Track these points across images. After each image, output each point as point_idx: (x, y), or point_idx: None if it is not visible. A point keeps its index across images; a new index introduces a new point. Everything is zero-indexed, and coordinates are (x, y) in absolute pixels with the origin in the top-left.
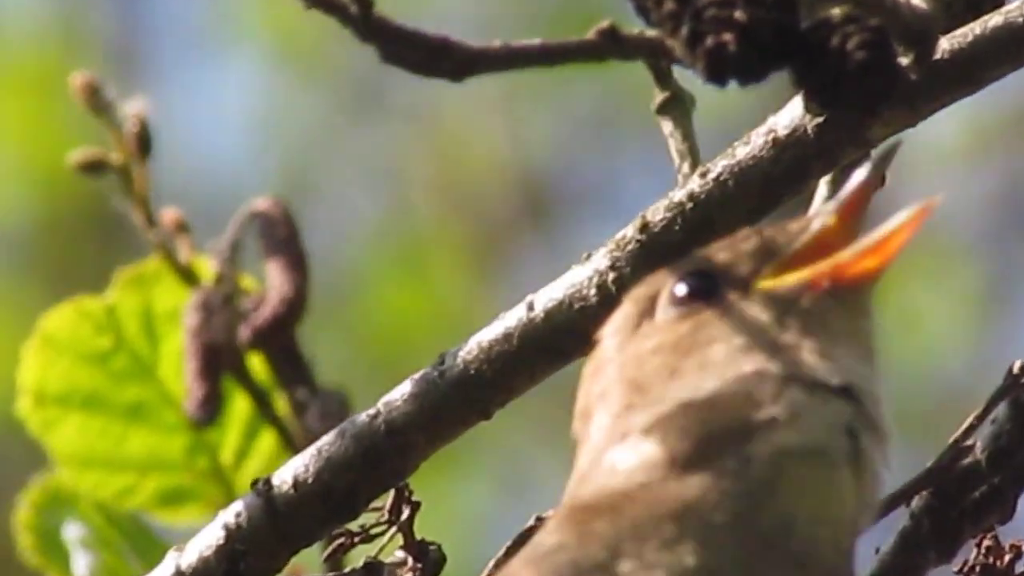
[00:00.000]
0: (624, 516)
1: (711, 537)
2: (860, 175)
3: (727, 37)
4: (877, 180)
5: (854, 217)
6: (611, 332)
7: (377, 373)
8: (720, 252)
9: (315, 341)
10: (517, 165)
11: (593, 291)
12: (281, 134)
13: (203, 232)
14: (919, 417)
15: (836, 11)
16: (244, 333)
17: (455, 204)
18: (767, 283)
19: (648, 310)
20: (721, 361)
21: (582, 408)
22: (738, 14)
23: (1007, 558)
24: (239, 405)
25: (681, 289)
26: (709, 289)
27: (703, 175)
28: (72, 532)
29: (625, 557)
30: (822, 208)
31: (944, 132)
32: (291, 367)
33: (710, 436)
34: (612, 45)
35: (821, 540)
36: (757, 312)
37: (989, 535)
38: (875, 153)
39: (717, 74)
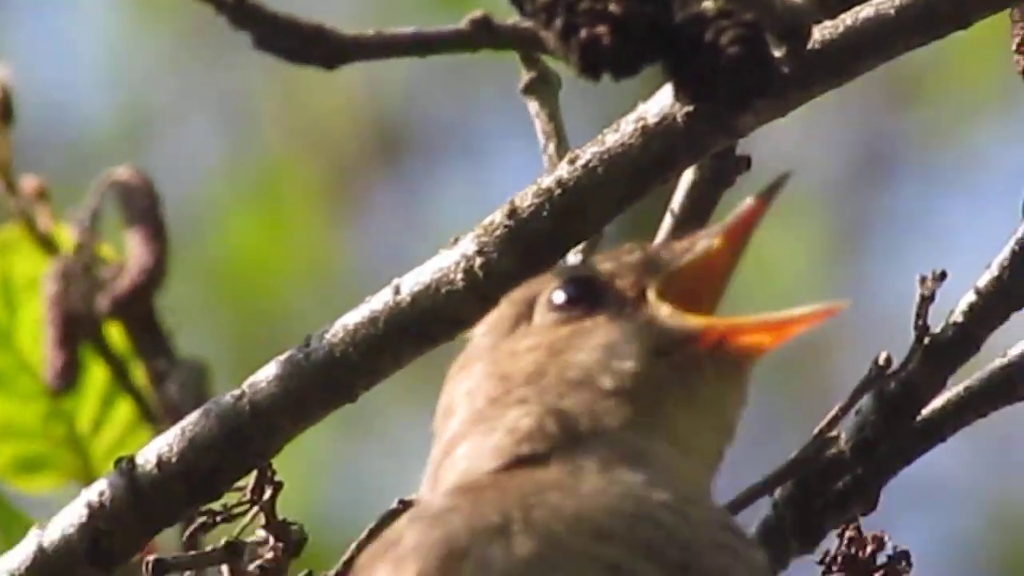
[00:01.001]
0: (509, 490)
1: (590, 504)
2: (748, 201)
3: (601, 30)
4: (764, 207)
5: (740, 241)
6: (484, 331)
7: (232, 318)
8: (603, 262)
9: (171, 294)
10: (371, 106)
11: (460, 276)
12: (132, 74)
13: (61, 194)
14: (772, 367)
15: (710, 5)
16: (103, 302)
17: (307, 144)
18: (664, 309)
19: (525, 313)
20: (584, 370)
21: (445, 405)
22: (612, 7)
23: (869, 549)
24: (96, 374)
25: (561, 295)
26: (589, 297)
27: (572, 161)
28: None
29: (516, 521)
30: (709, 230)
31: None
32: (150, 337)
33: (564, 437)
34: (485, 35)
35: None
36: (632, 334)
37: (852, 526)
38: (766, 184)
39: (590, 67)
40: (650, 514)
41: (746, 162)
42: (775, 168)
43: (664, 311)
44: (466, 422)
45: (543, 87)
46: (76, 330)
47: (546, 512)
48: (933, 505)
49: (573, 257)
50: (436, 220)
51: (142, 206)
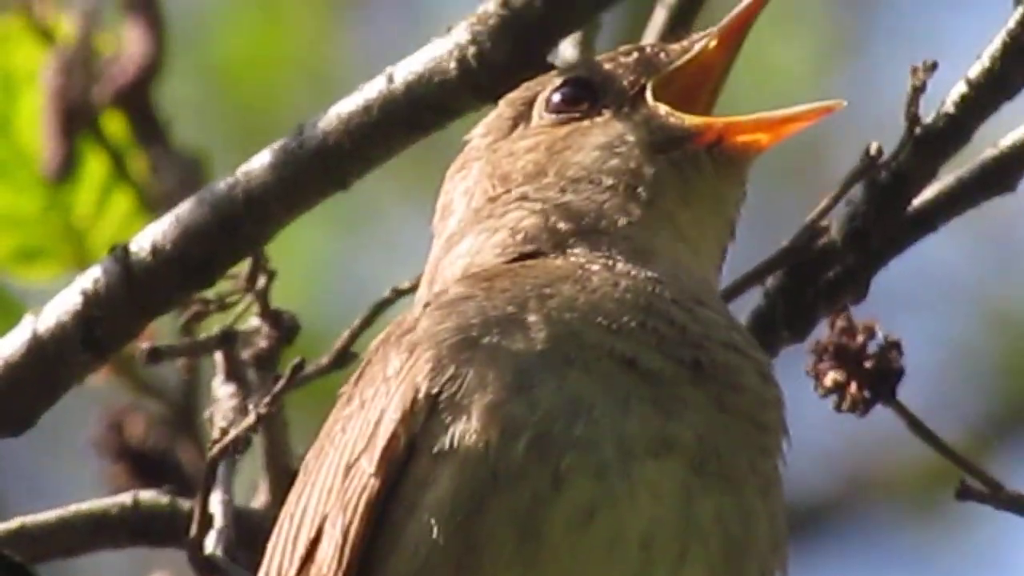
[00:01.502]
0: (522, 280)
1: (604, 297)
2: (744, 1)
3: None
4: (758, 7)
5: (734, 42)
6: (482, 132)
7: (231, 116)
8: (601, 63)
9: (169, 86)
10: None
11: (453, 64)
12: None
13: None
14: (772, 166)
15: None
16: (101, 93)
17: None
18: (662, 108)
19: (524, 114)
20: (584, 168)
21: (444, 204)
22: None
23: (860, 338)
24: (94, 165)
25: (559, 95)
26: (587, 98)
27: None
28: None
29: (531, 311)
30: (705, 31)
31: None
32: (147, 127)
33: (569, 233)
34: None
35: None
36: (631, 132)
37: (843, 315)
38: None
39: None
40: (663, 310)
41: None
42: None
43: (662, 110)
44: (465, 221)
45: None
46: (74, 121)
47: (560, 303)
48: (930, 306)
49: (569, 50)
50: (437, 17)
51: None
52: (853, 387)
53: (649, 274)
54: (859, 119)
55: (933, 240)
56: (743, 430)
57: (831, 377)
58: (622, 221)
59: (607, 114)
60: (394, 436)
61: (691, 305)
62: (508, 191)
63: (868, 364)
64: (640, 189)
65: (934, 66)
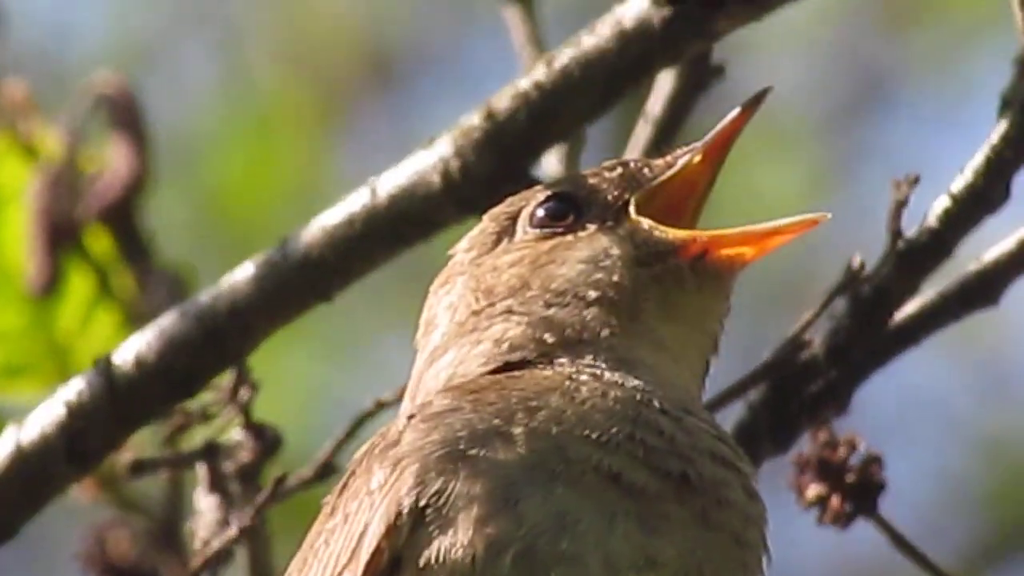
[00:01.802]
0: (508, 391)
1: (591, 409)
2: (728, 117)
3: None
4: (743, 123)
5: (718, 157)
6: (466, 247)
7: (220, 238)
8: (584, 178)
9: (156, 207)
10: (363, 32)
11: (436, 177)
12: None
13: (46, 103)
14: (761, 297)
15: None
16: (86, 209)
17: (299, 69)
18: (645, 222)
19: (508, 229)
20: (568, 281)
21: (427, 319)
22: None
23: (842, 451)
24: (79, 282)
25: (543, 210)
26: (571, 212)
27: (548, 63)
28: None
29: (517, 424)
30: (689, 147)
31: (788, 15)
32: (132, 243)
33: (554, 345)
34: None
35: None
36: (616, 246)
37: (825, 429)
38: (745, 98)
39: None
40: (651, 421)
41: (720, 70)
42: (773, 97)
43: (646, 224)
44: (449, 335)
45: None
46: (59, 237)
47: (547, 415)
48: (921, 434)
49: (553, 164)
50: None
51: (125, 115)
52: (835, 500)
53: (636, 383)
54: (846, 239)
55: (924, 367)
56: (726, 547)
57: (813, 490)
58: (605, 332)
59: (591, 228)
60: (378, 550)
61: (678, 414)
62: (492, 304)
63: (850, 478)
64: (623, 302)
65: (916, 180)
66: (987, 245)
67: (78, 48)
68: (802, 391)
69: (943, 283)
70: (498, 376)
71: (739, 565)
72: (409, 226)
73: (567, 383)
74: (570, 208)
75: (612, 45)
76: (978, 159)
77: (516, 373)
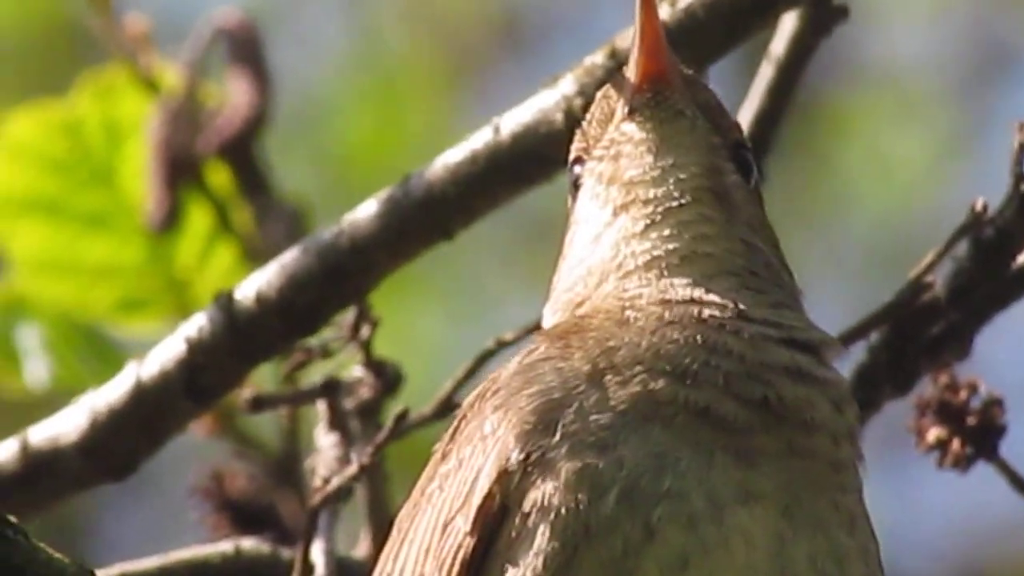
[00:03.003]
0: (587, 334)
1: (664, 339)
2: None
3: None
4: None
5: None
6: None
7: (345, 197)
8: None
9: (283, 163)
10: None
11: (560, 116)
12: None
13: (165, 41)
14: (888, 259)
15: None
16: (206, 144)
17: (427, 30)
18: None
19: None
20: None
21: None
22: None
23: (963, 394)
24: (198, 216)
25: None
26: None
27: (673, 4)
28: (28, 337)
29: (603, 368)
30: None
31: None
32: (252, 179)
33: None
34: None
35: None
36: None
37: (946, 371)
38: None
39: None
40: (719, 343)
41: (844, 11)
42: (896, 64)
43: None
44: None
45: None
46: (178, 172)
47: (626, 355)
48: None
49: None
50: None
51: (246, 51)
52: (955, 443)
53: (683, 292)
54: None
55: None
56: (820, 472)
57: (934, 433)
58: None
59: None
60: (489, 495)
61: (739, 325)
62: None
63: (971, 420)
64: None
65: None
66: None
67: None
68: (923, 333)
69: None
70: (576, 318)
71: (836, 486)
72: (531, 164)
73: (627, 313)
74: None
75: None
76: None
77: (585, 309)
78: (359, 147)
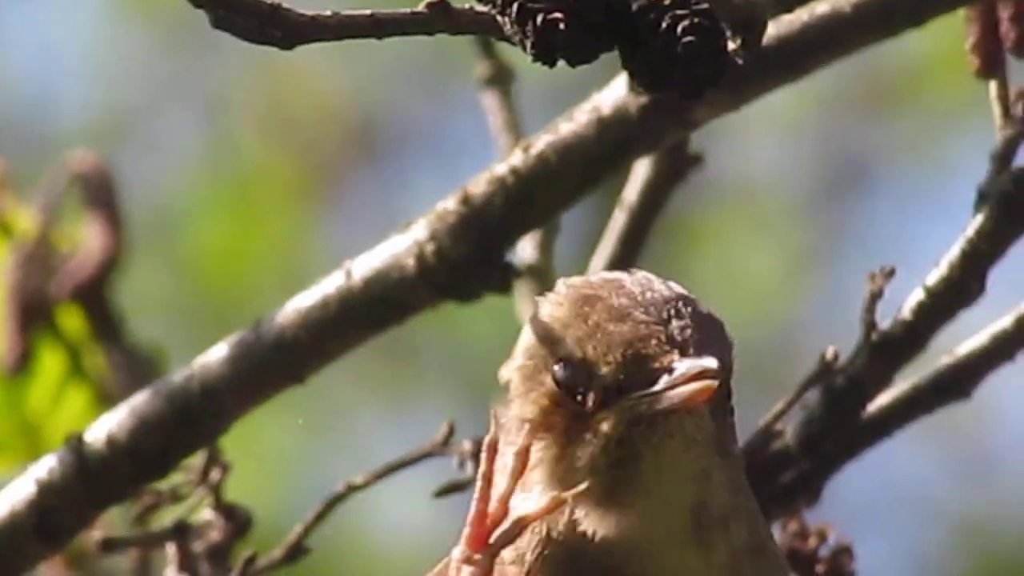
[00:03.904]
0: None
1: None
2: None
3: (557, 16)
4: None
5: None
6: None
7: (201, 314)
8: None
9: (134, 278)
10: (346, 103)
11: (411, 261)
12: (105, 66)
13: (21, 179)
14: (741, 375)
15: None
16: (59, 287)
17: (283, 141)
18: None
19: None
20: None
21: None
22: None
23: (812, 542)
24: (50, 360)
25: (560, 375)
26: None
27: (525, 150)
28: None
29: None
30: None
31: (767, 100)
32: (105, 323)
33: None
34: (443, 18)
35: None
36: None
37: (796, 519)
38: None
39: (546, 53)
40: None
41: (699, 159)
42: (752, 180)
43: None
44: None
45: (499, 79)
46: (31, 315)
47: None
48: (897, 521)
49: (528, 250)
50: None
51: (100, 192)
52: None
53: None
54: (824, 321)
55: (900, 454)
56: None
57: None
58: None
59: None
60: None
61: None
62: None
63: (820, 568)
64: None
65: (892, 273)
66: (961, 338)
67: (58, 120)
68: (773, 481)
69: (916, 375)
70: None
71: None
72: (383, 309)
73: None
74: (582, 377)
75: (589, 132)
76: (954, 252)
77: None
78: (212, 257)
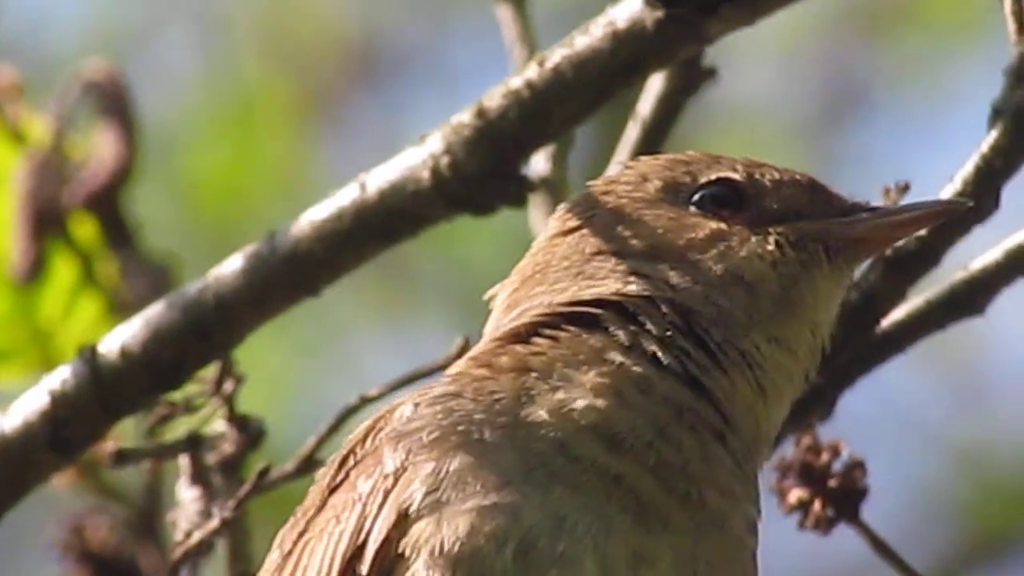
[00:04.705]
0: (529, 367)
1: (625, 391)
2: (916, 212)
3: None
4: (925, 223)
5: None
6: (628, 187)
7: (203, 232)
8: (761, 172)
9: (139, 197)
10: (349, 27)
11: (426, 174)
12: None
13: (33, 92)
14: None
15: None
16: (72, 196)
17: (284, 64)
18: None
19: (675, 189)
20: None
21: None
22: None
23: (825, 456)
24: (63, 268)
25: (711, 194)
26: (733, 204)
27: (540, 63)
28: None
29: (519, 415)
30: (875, 213)
31: (773, 20)
32: (117, 232)
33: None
34: None
35: None
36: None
37: (808, 434)
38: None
39: None
40: (674, 436)
41: (712, 72)
42: (750, 103)
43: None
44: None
45: None
46: (44, 224)
47: (558, 404)
48: (897, 442)
49: (542, 163)
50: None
51: (113, 102)
52: (817, 505)
53: (684, 392)
54: None
55: (902, 377)
56: (727, 551)
57: (795, 495)
58: (737, 313)
59: (746, 232)
60: (387, 540)
61: (708, 436)
62: (617, 255)
63: (832, 483)
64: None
65: (906, 187)
66: (974, 254)
67: (62, 37)
68: None
69: (930, 291)
70: (537, 341)
71: (740, 570)
72: (398, 222)
73: (611, 354)
74: (734, 199)
75: (605, 45)
76: (968, 168)
77: (566, 334)
78: (215, 177)
